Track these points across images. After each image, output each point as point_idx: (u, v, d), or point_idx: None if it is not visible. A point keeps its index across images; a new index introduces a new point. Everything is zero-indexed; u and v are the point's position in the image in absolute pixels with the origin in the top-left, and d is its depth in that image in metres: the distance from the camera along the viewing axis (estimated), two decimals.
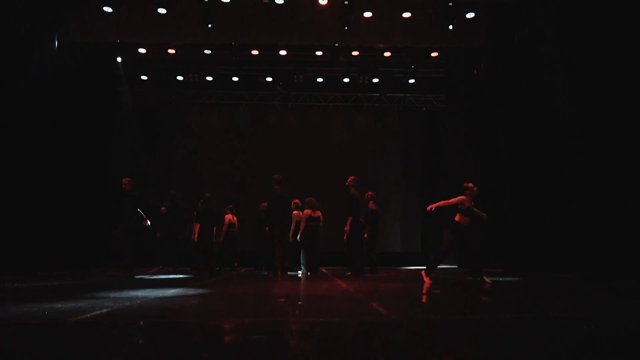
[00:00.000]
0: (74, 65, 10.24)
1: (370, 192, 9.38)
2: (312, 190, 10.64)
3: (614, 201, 6.67)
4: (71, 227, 9.73)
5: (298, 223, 9.24)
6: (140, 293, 4.53)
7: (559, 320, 2.91)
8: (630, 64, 6.51)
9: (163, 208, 10.03)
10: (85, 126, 10.53)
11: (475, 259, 6.27)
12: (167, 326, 2.80)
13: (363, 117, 14.73)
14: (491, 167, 10.40)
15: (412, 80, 13.33)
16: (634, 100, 6.47)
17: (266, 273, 8.75)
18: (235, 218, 10.58)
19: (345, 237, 8.33)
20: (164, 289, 5.13)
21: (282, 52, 11.38)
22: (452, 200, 6.25)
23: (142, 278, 7.27)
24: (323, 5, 9.67)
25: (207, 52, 11.53)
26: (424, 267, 6.79)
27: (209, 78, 13.07)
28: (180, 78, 13.05)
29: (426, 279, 6.20)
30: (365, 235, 8.99)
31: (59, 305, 3.46)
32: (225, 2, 9.63)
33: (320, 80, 13.26)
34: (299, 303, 3.91)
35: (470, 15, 9.93)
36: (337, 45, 10.78)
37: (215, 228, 9.13)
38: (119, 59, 12.12)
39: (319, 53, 11.51)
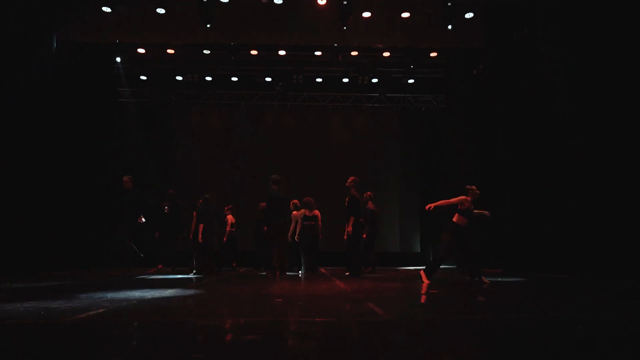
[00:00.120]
0: (74, 65, 10.26)
1: (369, 192, 9.43)
2: (311, 190, 10.64)
3: (614, 201, 6.66)
4: (71, 227, 9.73)
5: (297, 223, 9.25)
6: (138, 293, 4.52)
7: (559, 320, 2.90)
8: (630, 64, 6.51)
9: (166, 208, 10.01)
10: (85, 126, 10.53)
11: (474, 259, 6.26)
12: (163, 326, 2.79)
13: (362, 117, 14.71)
14: (491, 167, 10.38)
15: (411, 81, 13.33)
16: (634, 100, 6.47)
17: (264, 273, 8.75)
18: (234, 219, 10.57)
19: (345, 237, 8.33)
20: (161, 289, 5.12)
21: (281, 52, 11.38)
22: (453, 200, 6.24)
23: (141, 278, 7.27)
24: (322, 5, 9.66)
25: (206, 52, 11.53)
26: (423, 267, 6.79)
27: (209, 78, 13.08)
28: (179, 78, 13.06)
29: (425, 280, 6.19)
30: (364, 236, 9.00)
31: (55, 305, 3.47)
32: (224, 2, 9.63)
33: (319, 80, 13.24)
34: (299, 303, 3.90)
35: (469, 15, 9.94)
36: (336, 45, 10.78)
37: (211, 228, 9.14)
38: (118, 59, 12.13)
39: (318, 53, 11.51)
